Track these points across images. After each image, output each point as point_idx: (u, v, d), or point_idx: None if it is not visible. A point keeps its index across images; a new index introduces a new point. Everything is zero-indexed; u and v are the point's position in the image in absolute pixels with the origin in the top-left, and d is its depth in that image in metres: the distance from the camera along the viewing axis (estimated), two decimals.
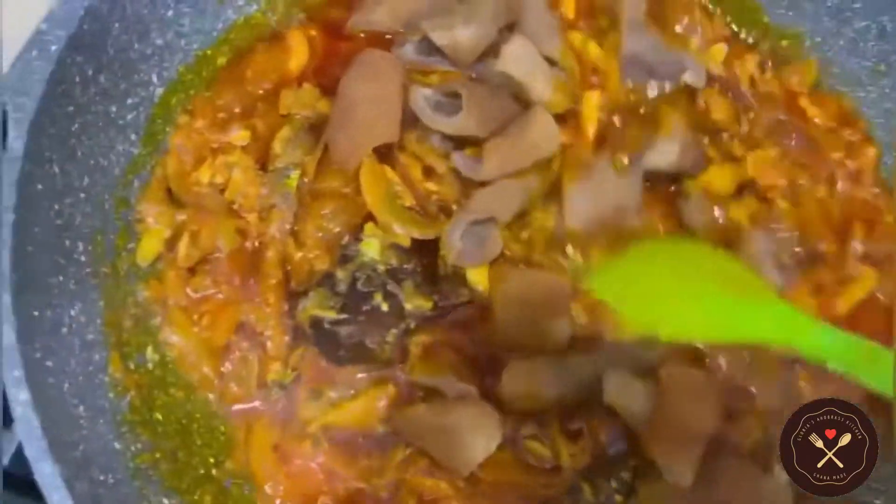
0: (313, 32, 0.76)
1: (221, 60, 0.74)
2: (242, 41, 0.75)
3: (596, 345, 0.67)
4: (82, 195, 0.63)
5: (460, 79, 0.71)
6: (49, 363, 0.56)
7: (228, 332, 0.69)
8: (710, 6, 0.77)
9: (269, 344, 0.68)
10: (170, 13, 0.68)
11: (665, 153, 0.70)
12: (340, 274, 0.69)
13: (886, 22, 0.68)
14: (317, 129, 0.71)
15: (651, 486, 0.63)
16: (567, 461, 0.64)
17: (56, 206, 0.60)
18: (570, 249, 0.69)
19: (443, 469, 0.64)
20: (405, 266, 0.69)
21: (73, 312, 0.61)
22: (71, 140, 0.61)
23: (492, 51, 0.69)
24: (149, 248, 0.68)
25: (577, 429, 0.65)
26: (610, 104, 0.72)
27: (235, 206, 0.70)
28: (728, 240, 0.69)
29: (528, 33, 0.71)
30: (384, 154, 0.70)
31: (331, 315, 0.68)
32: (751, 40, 0.76)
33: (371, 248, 0.69)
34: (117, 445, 0.61)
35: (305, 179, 0.70)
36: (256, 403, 0.67)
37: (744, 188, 0.71)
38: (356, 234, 0.70)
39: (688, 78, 0.72)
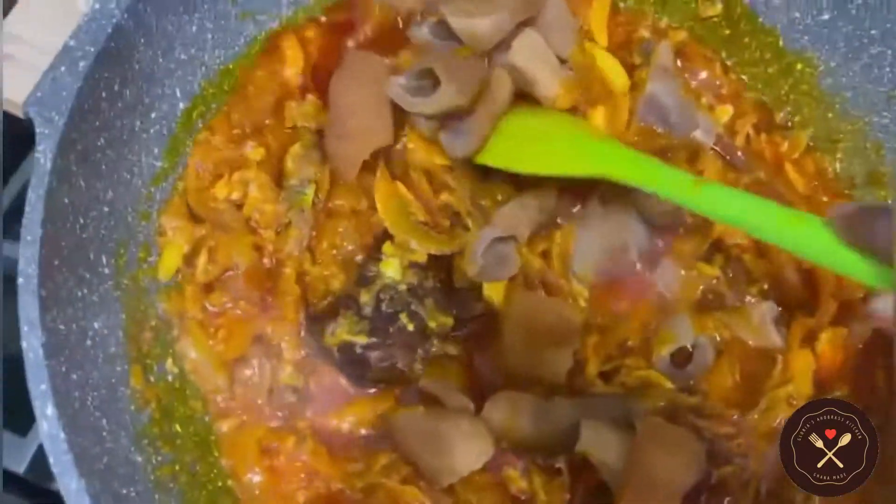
0: (309, 33, 0.76)
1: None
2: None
3: (579, 390, 0.67)
4: (106, 209, 0.63)
5: (429, 55, 0.71)
6: (74, 376, 0.57)
7: (244, 346, 0.69)
8: (725, 58, 0.79)
9: (284, 353, 0.69)
10: (194, 28, 0.69)
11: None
12: (364, 296, 0.69)
13: None
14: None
15: None
16: (543, 498, 0.65)
17: (81, 220, 0.60)
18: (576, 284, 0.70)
19: (424, 479, 0.65)
20: (425, 283, 0.69)
21: (96, 325, 0.61)
22: (97, 154, 0.61)
23: (504, 42, 0.69)
24: (170, 263, 0.69)
25: (557, 468, 0.65)
26: (612, 131, 0.73)
27: (252, 223, 0.71)
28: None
29: (542, 29, 0.72)
30: (394, 171, 0.71)
31: (362, 340, 0.68)
32: (764, 98, 0.78)
33: (391, 267, 0.69)
34: (138, 458, 0.61)
35: (320, 196, 0.71)
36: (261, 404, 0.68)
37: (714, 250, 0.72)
38: (372, 253, 0.70)
39: (699, 135, 0.73)
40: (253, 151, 0.72)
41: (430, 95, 0.66)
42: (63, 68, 0.58)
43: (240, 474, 0.67)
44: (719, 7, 0.77)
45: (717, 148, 0.75)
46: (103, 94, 0.61)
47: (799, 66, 0.75)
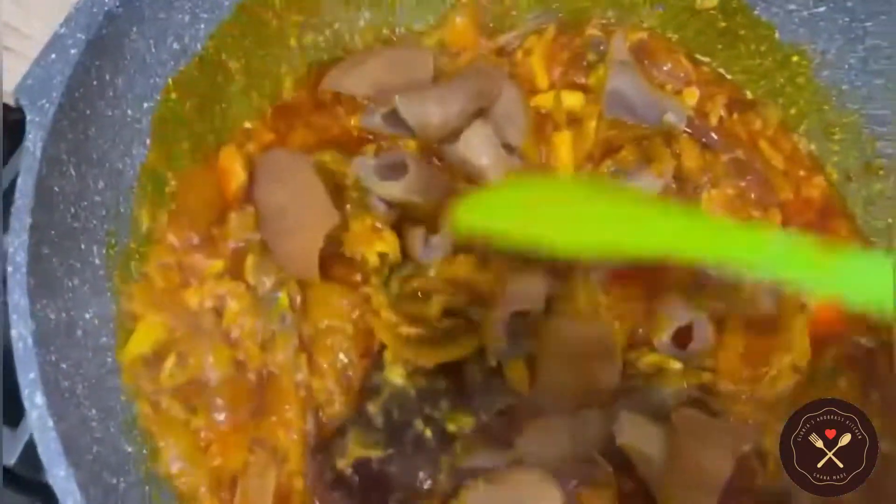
0: (251, 147, 0.73)
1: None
2: None
3: (608, 397, 0.66)
4: (97, 198, 0.63)
5: (404, 150, 0.71)
6: (63, 366, 0.56)
7: (242, 457, 0.65)
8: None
9: (290, 459, 0.65)
10: (186, 18, 0.68)
11: (648, 186, 0.71)
12: (372, 408, 0.66)
13: None
14: None
15: None
16: None
17: (72, 210, 0.60)
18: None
19: None
20: (436, 385, 0.66)
21: (87, 315, 0.61)
22: (87, 143, 0.61)
23: (454, 133, 0.70)
24: (136, 346, 0.64)
25: (601, 469, 0.63)
26: (585, 146, 0.74)
27: (233, 336, 0.66)
28: None
29: (496, 119, 0.72)
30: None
31: (377, 453, 0.64)
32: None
33: (395, 374, 0.67)
34: (129, 449, 0.61)
35: (297, 299, 0.67)
36: None
37: None
38: (374, 360, 0.67)
39: (670, 118, 0.73)
40: (212, 265, 0.68)
41: (397, 180, 0.66)
42: (53, 56, 0.58)
43: None
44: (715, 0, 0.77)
45: (689, 130, 0.76)
46: (94, 83, 0.60)
47: (795, 59, 0.75)
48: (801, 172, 0.76)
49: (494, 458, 0.64)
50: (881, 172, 0.73)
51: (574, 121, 0.76)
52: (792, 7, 0.74)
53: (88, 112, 0.60)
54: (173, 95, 0.69)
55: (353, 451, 0.65)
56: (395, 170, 0.68)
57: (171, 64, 0.68)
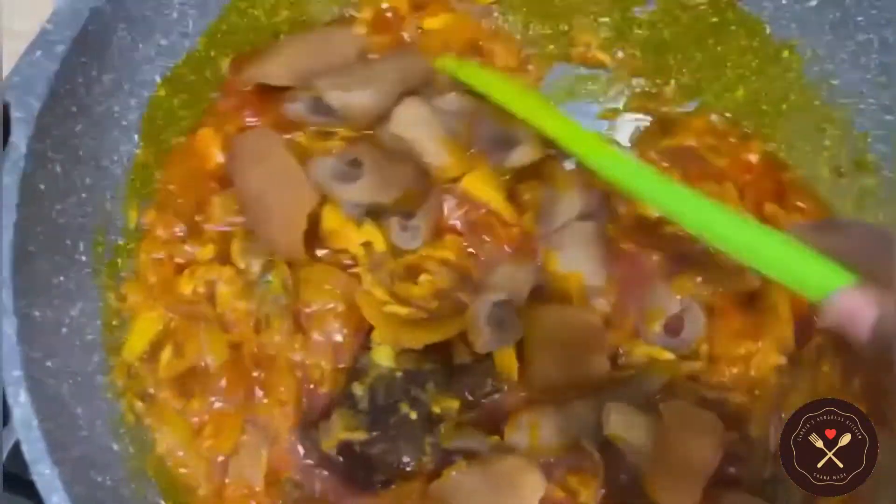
0: (229, 128, 0.71)
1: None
2: None
3: (598, 386, 0.66)
4: (84, 195, 0.62)
5: (361, 145, 0.68)
6: (49, 363, 0.56)
7: (235, 438, 0.66)
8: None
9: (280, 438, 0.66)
10: (174, 14, 0.68)
11: (570, 206, 0.70)
12: (358, 390, 0.65)
13: (889, 35, 0.68)
14: None
15: None
16: (583, 497, 0.64)
17: (58, 206, 0.60)
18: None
19: None
20: (423, 367, 0.66)
21: (73, 313, 0.60)
22: (74, 140, 0.61)
23: (386, 114, 0.68)
24: (138, 343, 0.65)
25: (589, 454, 0.64)
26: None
27: (228, 320, 0.67)
28: None
29: (426, 96, 0.70)
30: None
31: (361, 436, 0.64)
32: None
33: (382, 355, 0.66)
34: (115, 447, 0.61)
35: (288, 280, 0.67)
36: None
37: None
38: (364, 342, 0.67)
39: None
40: (201, 251, 0.68)
41: (354, 183, 0.65)
42: (39, 52, 0.57)
43: None
44: None
45: None
46: (80, 79, 0.60)
47: (786, 54, 0.75)
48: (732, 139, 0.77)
49: (479, 442, 0.64)
50: (872, 168, 0.72)
51: None
52: (783, 2, 0.73)
53: (75, 109, 0.60)
54: (161, 92, 0.68)
55: (337, 433, 0.64)
56: (355, 165, 0.66)
57: (159, 60, 0.68)
